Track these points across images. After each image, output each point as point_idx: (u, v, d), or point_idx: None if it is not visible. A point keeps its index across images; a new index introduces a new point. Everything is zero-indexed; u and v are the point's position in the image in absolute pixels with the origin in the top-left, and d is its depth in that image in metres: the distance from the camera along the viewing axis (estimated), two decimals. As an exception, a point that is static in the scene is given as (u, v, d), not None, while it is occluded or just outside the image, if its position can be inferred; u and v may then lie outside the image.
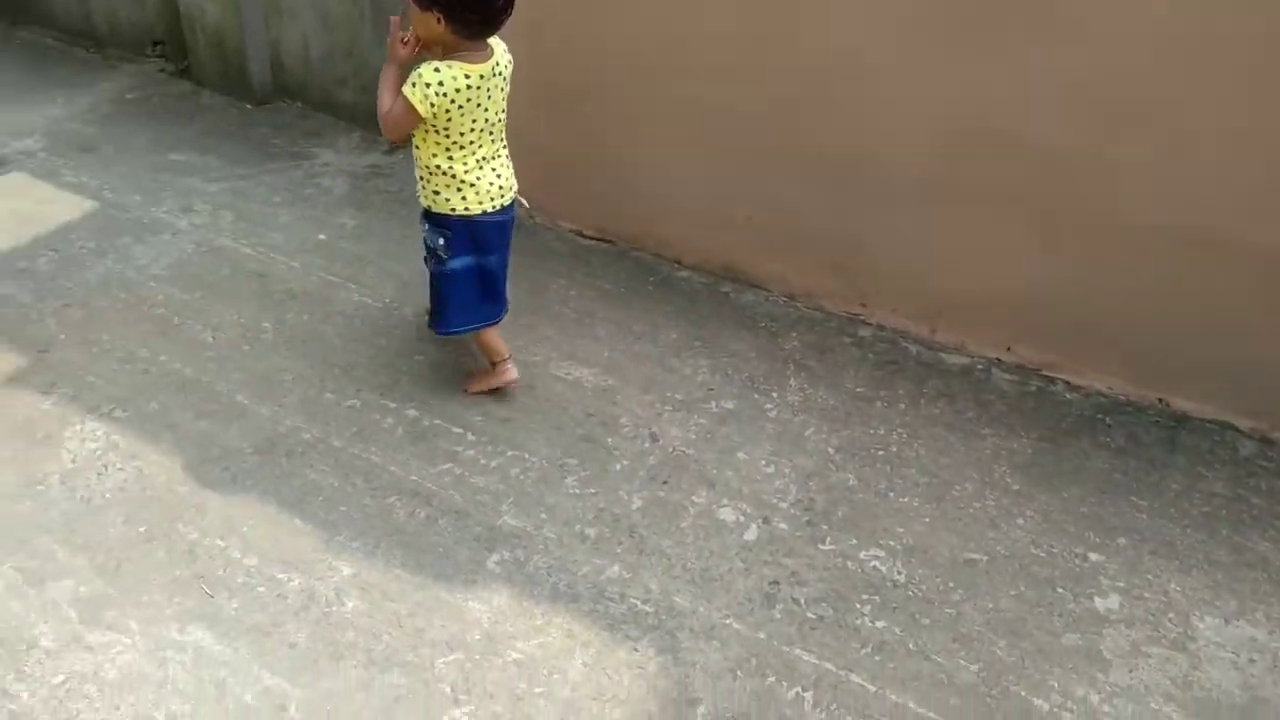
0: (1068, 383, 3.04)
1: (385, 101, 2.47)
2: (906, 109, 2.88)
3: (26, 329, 3.06)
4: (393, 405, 2.84)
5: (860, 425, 2.85)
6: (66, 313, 3.14)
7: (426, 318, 2.96)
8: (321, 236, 3.57)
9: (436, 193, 2.59)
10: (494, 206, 2.62)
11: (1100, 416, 2.94)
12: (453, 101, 2.40)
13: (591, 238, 3.64)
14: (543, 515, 2.52)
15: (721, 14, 3.01)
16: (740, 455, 2.73)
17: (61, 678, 2.06)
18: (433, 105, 2.38)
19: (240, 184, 3.87)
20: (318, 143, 4.19)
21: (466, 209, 2.59)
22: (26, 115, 4.34)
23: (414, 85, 2.38)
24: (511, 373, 2.87)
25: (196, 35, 4.50)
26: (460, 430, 2.77)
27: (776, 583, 2.35)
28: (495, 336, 2.85)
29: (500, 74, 2.49)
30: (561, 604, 2.28)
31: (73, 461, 2.58)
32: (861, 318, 3.26)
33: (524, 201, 2.83)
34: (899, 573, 2.39)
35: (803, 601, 2.31)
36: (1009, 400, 2.98)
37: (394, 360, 3.01)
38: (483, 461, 2.67)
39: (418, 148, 2.56)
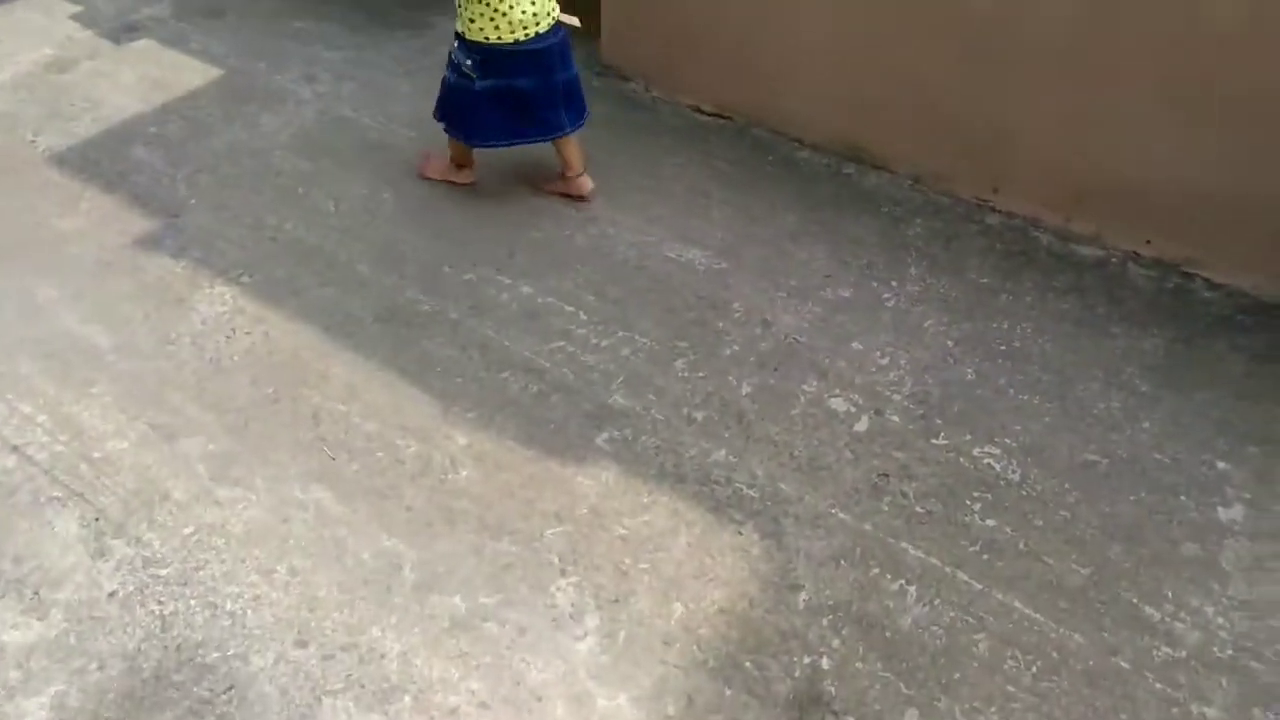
0: (1208, 280, 2.86)
1: None
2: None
3: (159, 193, 3.16)
4: (508, 281, 2.86)
5: (983, 318, 2.75)
6: (196, 178, 3.22)
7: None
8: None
9: (472, 20, 2.73)
10: (526, 35, 2.75)
11: (1240, 317, 2.76)
12: None
13: (709, 114, 3.54)
14: (651, 396, 2.52)
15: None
16: (855, 345, 2.67)
17: (191, 529, 2.19)
18: None
19: (361, 53, 3.87)
20: (436, 12, 4.13)
21: (500, 38, 2.73)
22: (157, -20, 4.40)
23: None
24: (587, 184, 3.08)
25: (318, -102, 4.45)
26: (573, 309, 2.78)
27: (886, 475, 2.32)
28: (572, 149, 3.02)
29: None
30: (668, 484, 2.30)
31: (202, 324, 2.69)
32: (991, 204, 3.11)
33: (572, 21, 2.80)
34: (1013, 471, 2.33)
35: (911, 495, 2.28)
36: (1144, 297, 2.82)
37: (510, 235, 3.02)
38: (594, 340, 2.68)
39: None
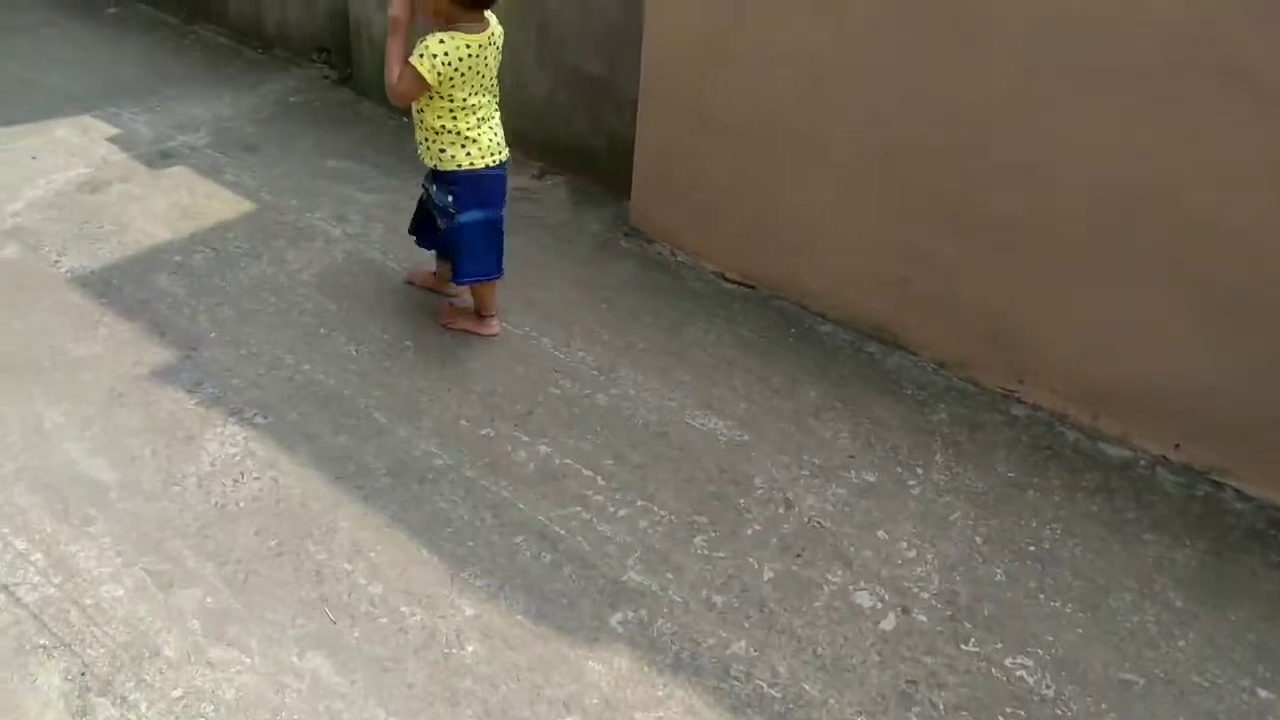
0: (1238, 491, 2.81)
1: (394, 72, 2.72)
2: (1074, 168, 2.71)
3: (179, 324, 3.13)
4: (526, 439, 2.80)
5: (1011, 515, 2.68)
6: (218, 311, 3.20)
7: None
8: (466, 257, 3.57)
9: (443, 151, 2.86)
10: (494, 161, 2.91)
11: (1273, 533, 2.70)
12: (456, 69, 2.68)
13: (734, 281, 3.55)
14: (669, 575, 2.43)
15: (880, 46, 2.89)
16: (880, 534, 2.59)
17: (180, 692, 2.05)
18: (439, 74, 2.66)
19: (392, 196, 3.91)
20: (469, 160, 4.22)
21: (471, 164, 2.87)
22: (194, 110, 4.48)
23: (421, 56, 2.65)
24: (495, 327, 3.20)
25: (363, 46, 4.60)
26: (591, 473, 2.71)
27: (914, 682, 2.21)
28: (492, 292, 3.16)
29: (494, 43, 2.77)
30: (684, 676, 2.18)
31: (211, 465, 2.61)
32: (1017, 395, 3.09)
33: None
34: (1047, 686, 2.22)
35: (942, 707, 2.16)
36: (1173, 503, 2.76)
37: (531, 390, 2.98)
38: (611, 509, 2.61)
39: (421, 112, 2.83)
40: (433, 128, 2.82)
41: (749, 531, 2.58)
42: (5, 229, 3.51)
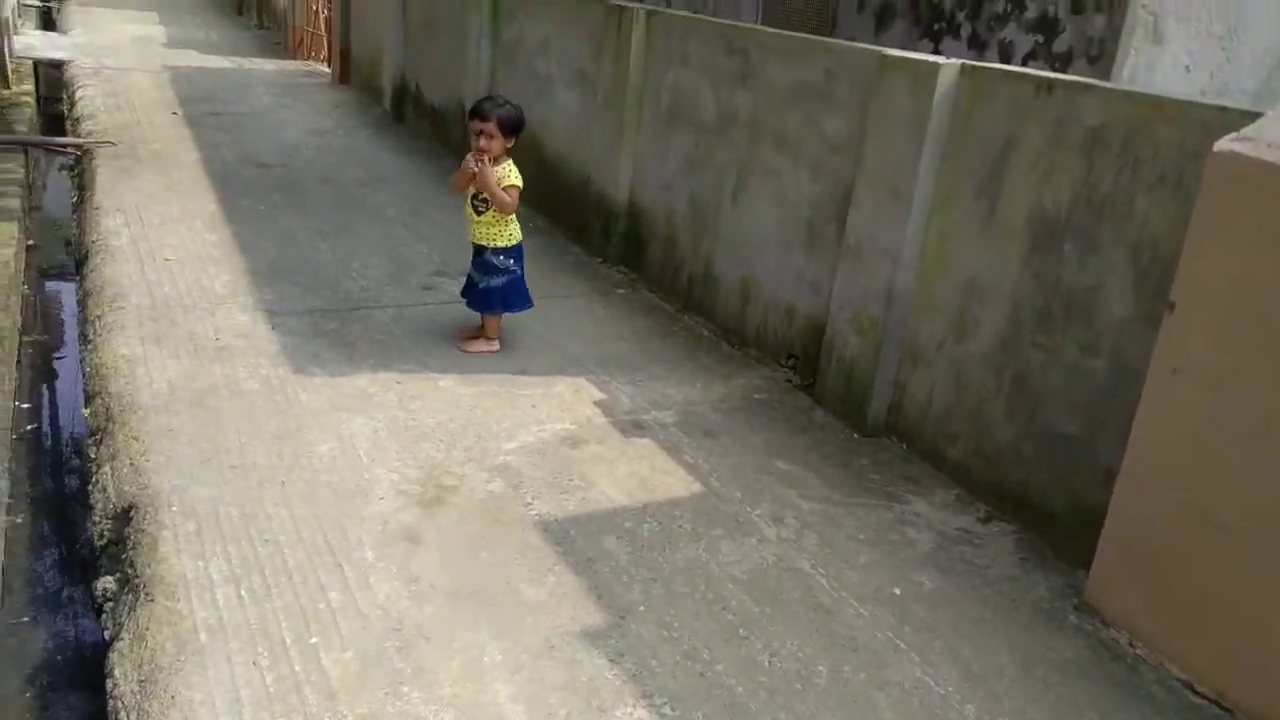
0: None
1: (505, 198, 4.81)
2: None
3: (616, 589, 3.30)
4: (929, 814, 2.54)
5: None
6: (651, 586, 3.34)
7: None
8: (896, 590, 3.46)
9: (511, 234, 4.97)
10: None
11: None
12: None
13: (1206, 697, 3.06)
14: None
15: None
16: None
17: None
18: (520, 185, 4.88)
19: (831, 509, 3.94)
20: (913, 489, 4.17)
21: (520, 239, 5.03)
22: (669, 389, 4.93)
23: (514, 176, 4.87)
24: (496, 346, 5.11)
25: (830, 360, 4.84)
26: None
27: None
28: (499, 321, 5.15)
29: None
30: None
31: (615, 744, 2.64)
32: None
33: None
34: None
35: None
36: None
37: (943, 761, 2.72)
38: None
39: (492, 211, 4.88)
40: (504, 220, 4.91)
41: None
42: (497, 464, 4.00)
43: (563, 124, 7.44)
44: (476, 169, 4.75)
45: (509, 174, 4.82)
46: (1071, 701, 3.00)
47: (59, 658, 3.36)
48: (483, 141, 4.75)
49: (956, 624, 3.30)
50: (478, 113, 4.80)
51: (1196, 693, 3.08)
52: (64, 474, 4.51)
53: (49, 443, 4.80)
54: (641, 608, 3.22)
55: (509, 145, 4.86)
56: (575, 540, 3.55)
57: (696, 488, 4.03)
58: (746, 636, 3.14)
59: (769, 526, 3.79)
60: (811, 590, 3.42)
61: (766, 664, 3.03)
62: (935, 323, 4.38)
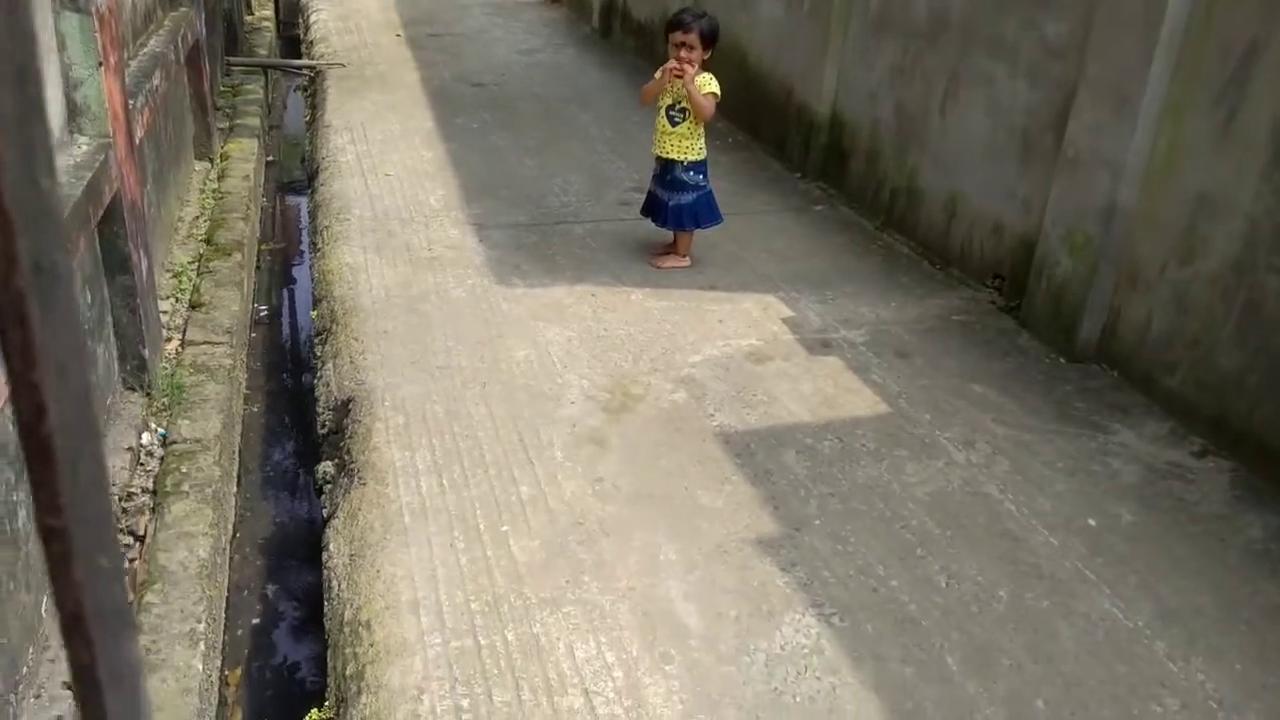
0: None
1: (705, 103, 4.77)
2: None
3: (792, 502, 3.32)
4: (1105, 749, 2.46)
5: None
6: (828, 501, 3.34)
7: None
8: (1091, 521, 3.31)
9: (701, 147, 4.93)
10: None
11: None
12: None
13: None
14: None
15: None
16: None
17: None
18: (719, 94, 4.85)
19: (1027, 435, 3.79)
20: (1121, 419, 3.94)
21: (704, 155, 4.98)
22: (861, 308, 4.82)
23: (713, 84, 4.83)
24: (687, 261, 5.15)
25: (1040, 280, 4.59)
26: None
27: None
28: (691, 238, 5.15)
29: None
30: None
31: (781, 648, 2.70)
32: None
33: None
34: None
35: None
36: None
37: (1125, 697, 2.62)
38: None
39: (689, 124, 4.87)
40: (697, 132, 4.90)
41: None
42: (681, 375, 4.07)
43: (765, 34, 7.28)
44: (682, 74, 4.75)
45: (709, 83, 4.81)
46: (1277, 647, 2.80)
47: (287, 533, 3.74)
48: (683, 52, 4.74)
49: (1155, 560, 3.13)
50: (678, 24, 4.78)
51: None
52: (294, 370, 4.95)
53: (283, 341, 5.27)
54: (817, 521, 3.23)
55: (706, 57, 4.82)
56: (754, 453, 3.58)
57: (883, 408, 3.96)
58: (924, 556, 3.10)
59: (958, 450, 3.69)
60: (998, 516, 3.32)
61: (943, 584, 2.99)
62: (1158, 242, 4.06)
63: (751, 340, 4.44)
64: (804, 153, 6.74)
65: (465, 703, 2.41)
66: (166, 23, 5.41)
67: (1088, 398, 4.09)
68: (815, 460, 3.57)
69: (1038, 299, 4.62)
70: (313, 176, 6.51)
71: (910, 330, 4.64)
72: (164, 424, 3.57)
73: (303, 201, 6.80)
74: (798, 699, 2.54)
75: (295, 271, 6.15)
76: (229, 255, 4.91)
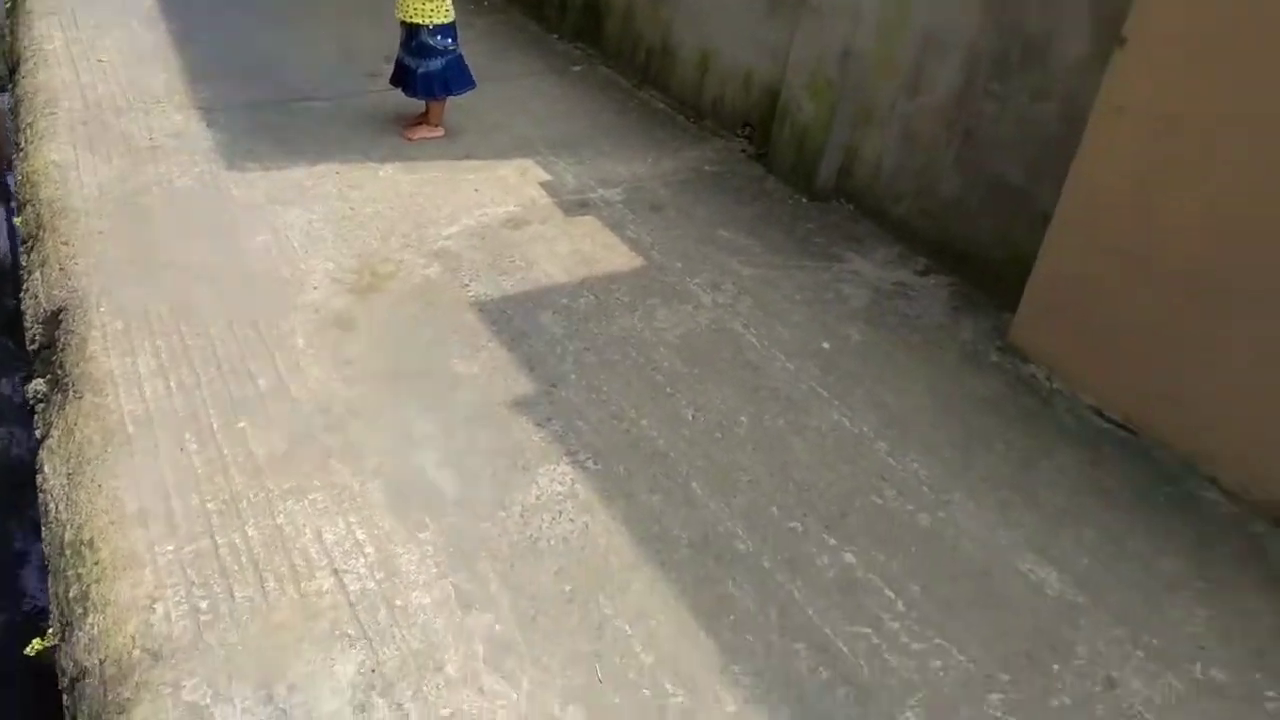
0: None
1: None
2: None
3: (549, 360, 3.39)
4: (833, 542, 2.71)
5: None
6: (584, 355, 3.43)
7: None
8: (825, 345, 3.55)
9: (447, 9, 4.67)
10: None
11: None
12: None
13: (1112, 421, 3.19)
14: (948, 731, 2.22)
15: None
16: (1217, 756, 2.20)
17: (448, 712, 2.21)
18: None
19: (770, 273, 3.98)
20: (855, 249, 4.19)
21: (451, 16, 4.72)
22: (618, 167, 4.87)
23: None
24: (441, 131, 5.02)
25: (784, 127, 4.74)
26: (892, 595, 2.56)
27: None
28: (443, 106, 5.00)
29: None
30: None
31: (537, 498, 2.80)
32: None
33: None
34: None
35: None
36: None
37: (850, 493, 2.88)
38: (905, 640, 2.44)
39: None
40: None
41: (1055, 703, 2.30)
42: (435, 249, 4.02)
43: (506, -110, 7.00)
44: None
45: None
46: (981, 433, 3.13)
47: (13, 463, 3.47)
48: None
49: (881, 372, 3.40)
50: None
51: (1104, 417, 3.21)
52: (13, 289, 4.57)
53: None
54: (572, 376, 3.32)
55: None
56: (511, 318, 3.62)
57: (637, 261, 4.06)
58: (673, 394, 3.26)
59: (706, 293, 3.84)
60: (741, 349, 3.51)
61: (690, 418, 3.15)
62: (890, 82, 4.25)
63: (509, 207, 4.41)
64: (561, 13, 6.61)
65: (204, 604, 2.38)
66: None
67: (826, 233, 4.32)
68: (571, 318, 3.64)
69: (782, 144, 4.79)
70: (14, 69, 5.88)
71: (665, 184, 4.73)
72: None
73: (4, 99, 6.15)
74: (552, 542, 2.65)
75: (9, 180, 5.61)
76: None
